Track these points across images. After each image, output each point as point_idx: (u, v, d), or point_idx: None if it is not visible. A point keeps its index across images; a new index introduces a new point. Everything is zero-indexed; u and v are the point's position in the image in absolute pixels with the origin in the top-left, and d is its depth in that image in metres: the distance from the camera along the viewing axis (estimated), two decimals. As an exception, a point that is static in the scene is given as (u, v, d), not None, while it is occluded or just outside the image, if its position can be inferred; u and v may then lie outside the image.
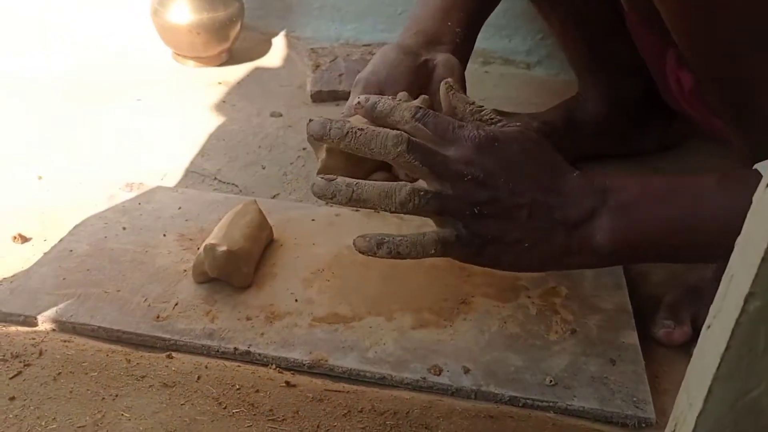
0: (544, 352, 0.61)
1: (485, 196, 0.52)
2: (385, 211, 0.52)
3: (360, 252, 0.53)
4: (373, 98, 0.54)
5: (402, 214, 0.53)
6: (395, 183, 0.52)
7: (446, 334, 0.62)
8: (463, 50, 0.68)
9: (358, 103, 0.55)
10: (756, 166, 0.50)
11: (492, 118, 0.55)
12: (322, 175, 0.53)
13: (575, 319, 0.65)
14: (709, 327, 0.30)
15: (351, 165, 0.57)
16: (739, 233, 0.43)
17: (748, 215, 0.28)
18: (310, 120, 0.54)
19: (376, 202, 0.51)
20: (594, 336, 0.63)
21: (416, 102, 0.57)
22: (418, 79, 0.64)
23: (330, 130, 0.52)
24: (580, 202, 0.53)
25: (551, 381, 0.57)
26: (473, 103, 0.56)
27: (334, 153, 0.56)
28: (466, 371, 0.58)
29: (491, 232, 0.52)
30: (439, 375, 0.57)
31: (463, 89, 0.64)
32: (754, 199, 0.27)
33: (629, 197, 0.53)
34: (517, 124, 0.55)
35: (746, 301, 0.26)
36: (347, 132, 0.52)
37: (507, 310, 0.65)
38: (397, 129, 0.53)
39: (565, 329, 0.63)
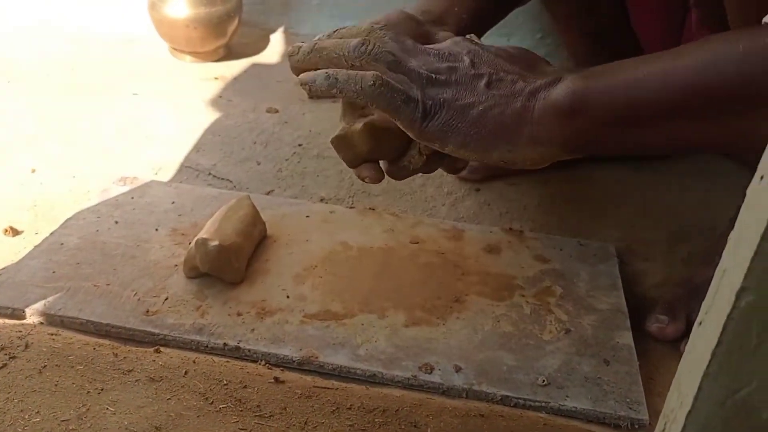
0: (538, 351, 0.60)
1: (445, 65, 0.51)
2: (341, 59, 0.52)
3: (302, 84, 0.54)
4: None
5: (369, 99, 0.51)
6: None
7: (439, 332, 0.61)
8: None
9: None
10: (766, 18, 0.45)
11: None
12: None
13: (570, 319, 0.64)
14: (700, 323, 0.29)
15: (375, 141, 0.57)
16: (727, 80, 0.42)
17: (742, 208, 0.27)
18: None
19: (331, 48, 0.52)
20: (588, 336, 0.62)
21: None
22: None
23: (300, 47, 0.55)
24: (545, 76, 0.51)
25: (544, 381, 0.57)
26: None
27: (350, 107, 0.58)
28: (458, 370, 0.57)
29: (443, 95, 0.51)
30: (430, 373, 0.57)
31: None
32: (748, 191, 0.27)
33: (599, 66, 0.51)
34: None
35: (738, 296, 0.25)
36: (315, 43, 0.54)
37: (501, 308, 0.64)
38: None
39: (560, 329, 0.63)
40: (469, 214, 0.80)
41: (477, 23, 0.69)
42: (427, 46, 0.53)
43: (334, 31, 0.54)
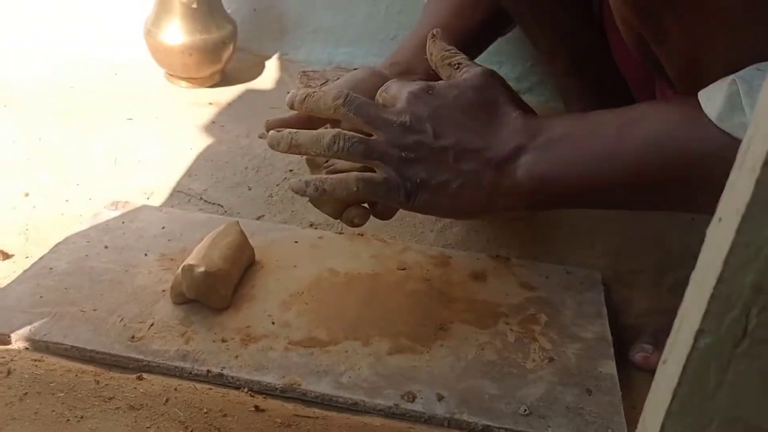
0: (521, 380, 0.60)
1: (411, 140, 0.54)
2: (318, 155, 0.56)
3: (293, 191, 0.57)
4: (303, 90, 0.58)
5: (356, 198, 0.56)
6: (326, 129, 0.56)
7: (422, 360, 0.61)
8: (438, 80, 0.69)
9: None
10: (699, 93, 0.49)
11: (459, 63, 0.58)
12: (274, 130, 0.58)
13: (553, 348, 0.64)
14: (665, 362, 0.29)
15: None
16: (667, 161, 0.46)
17: (702, 248, 0.27)
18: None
19: (308, 145, 0.55)
20: (572, 365, 0.62)
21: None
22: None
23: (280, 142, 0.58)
24: (507, 142, 0.54)
25: (526, 410, 0.57)
26: (450, 49, 0.59)
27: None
28: (440, 398, 0.57)
29: (419, 175, 0.54)
30: (412, 402, 0.57)
31: None
32: (708, 232, 0.27)
33: (556, 134, 0.54)
34: (481, 67, 0.57)
35: (696, 337, 0.26)
36: (302, 98, 0.57)
37: (485, 336, 0.65)
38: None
39: (543, 357, 0.63)
40: (456, 240, 0.81)
41: None
42: (389, 112, 0.55)
43: (305, 98, 0.57)
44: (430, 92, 0.55)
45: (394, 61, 0.69)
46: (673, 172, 0.51)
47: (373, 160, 0.54)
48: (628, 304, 0.72)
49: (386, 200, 0.55)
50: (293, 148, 0.56)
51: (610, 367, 0.62)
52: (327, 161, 0.62)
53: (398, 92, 0.56)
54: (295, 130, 0.56)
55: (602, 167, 0.53)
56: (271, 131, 0.58)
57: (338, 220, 0.81)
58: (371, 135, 0.55)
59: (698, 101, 0.49)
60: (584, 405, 0.58)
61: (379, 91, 0.58)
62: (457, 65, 0.57)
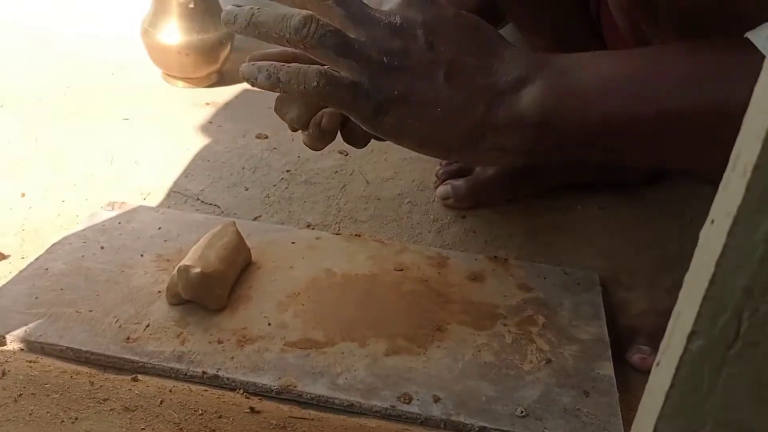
0: (518, 381, 0.60)
1: (398, 44, 0.45)
2: (282, 40, 0.47)
3: (244, 78, 0.49)
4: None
5: (315, 97, 0.48)
6: (295, 10, 0.47)
7: (419, 361, 0.61)
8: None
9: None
10: (747, 34, 0.42)
11: None
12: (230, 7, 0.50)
13: (551, 349, 0.64)
14: (658, 364, 0.29)
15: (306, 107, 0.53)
16: (704, 110, 0.37)
17: (696, 250, 0.27)
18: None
19: (270, 24, 0.46)
20: (569, 366, 0.62)
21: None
22: None
23: (236, 16, 0.49)
24: (509, 70, 0.46)
25: (522, 412, 0.56)
26: None
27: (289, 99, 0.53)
28: (437, 400, 0.57)
29: (397, 88, 0.45)
30: (408, 403, 0.57)
31: None
32: (701, 234, 0.27)
33: (568, 63, 0.46)
34: None
35: (689, 339, 0.26)
36: (252, 14, 0.48)
37: (482, 338, 0.65)
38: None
39: (540, 359, 0.63)
40: (454, 241, 0.80)
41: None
42: (376, 10, 0.47)
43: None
44: (427, 2, 0.47)
45: None
46: (713, 117, 0.42)
47: (346, 58, 0.45)
48: (625, 305, 0.72)
49: (350, 110, 0.47)
50: (252, 27, 0.47)
51: (607, 369, 0.62)
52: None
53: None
54: (257, 7, 0.47)
55: (629, 108, 0.44)
56: (228, 6, 0.49)
57: (337, 223, 0.82)
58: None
59: (743, 42, 0.42)
60: (581, 407, 0.58)
61: None
62: None
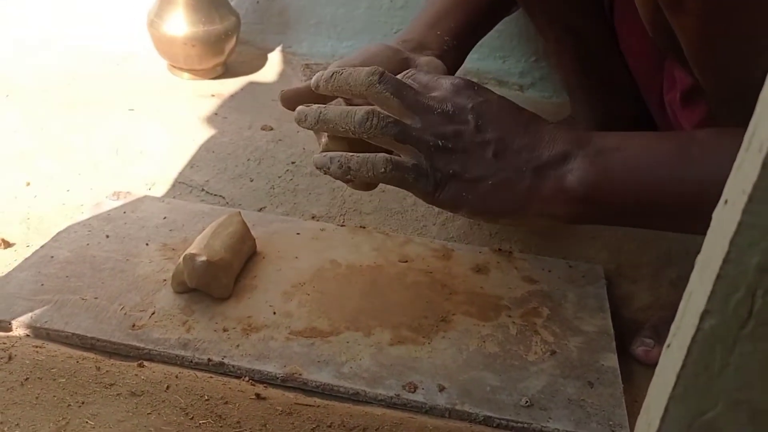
0: (522, 372, 0.60)
1: (451, 129, 0.51)
2: (348, 133, 0.52)
3: (317, 167, 0.54)
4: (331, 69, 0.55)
5: (382, 181, 0.52)
6: (357, 106, 0.52)
7: (424, 351, 0.61)
8: (451, 58, 0.68)
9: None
10: None
11: None
12: (303, 105, 0.55)
13: (556, 341, 0.64)
14: (668, 346, 0.29)
15: (352, 149, 0.57)
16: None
17: (708, 232, 0.27)
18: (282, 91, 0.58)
19: (337, 121, 0.52)
20: (574, 358, 0.62)
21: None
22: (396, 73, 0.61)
23: (307, 115, 0.54)
24: (552, 145, 0.51)
25: (527, 402, 0.57)
26: None
27: (336, 138, 0.57)
28: (442, 389, 0.57)
29: (452, 167, 0.51)
30: (413, 392, 0.57)
31: None
32: (714, 215, 0.27)
33: (609, 142, 0.51)
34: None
35: (702, 318, 0.26)
36: (328, 77, 0.54)
37: (487, 329, 0.65)
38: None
39: (545, 350, 0.63)
40: (459, 233, 0.80)
41: (460, 42, 0.70)
42: (429, 97, 0.52)
43: (332, 76, 0.54)
44: (475, 88, 0.53)
45: (406, 38, 0.66)
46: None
47: (405, 144, 0.51)
48: (629, 298, 0.72)
49: (412, 188, 0.52)
50: (321, 123, 0.53)
51: (611, 361, 0.62)
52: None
53: (434, 81, 0.53)
54: (324, 106, 0.53)
55: (662, 183, 0.49)
56: (300, 107, 0.55)
57: (341, 215, 0.82)
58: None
59: None
60: (586, 397, 0.58)
61: (402, 75, 0.55)
62: None
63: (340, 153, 0.53)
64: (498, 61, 1.10)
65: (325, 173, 0.54)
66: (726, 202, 0.26)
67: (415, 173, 0.51)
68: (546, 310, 0.68)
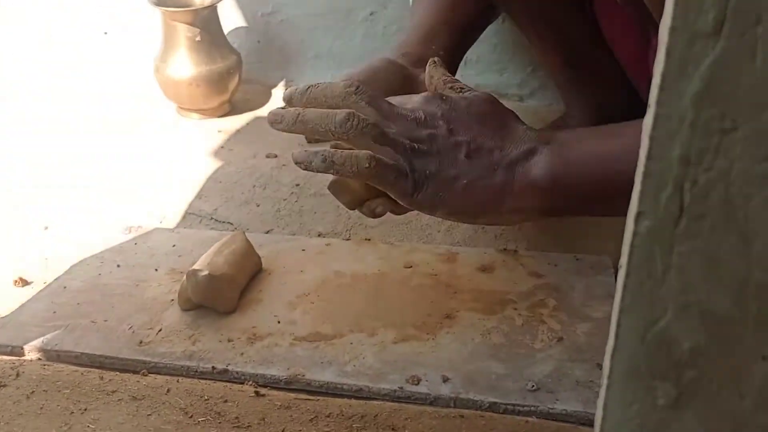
0: (529, 359, 0.59)
1: (425, 133, 0.54)
2: (327, 134, 0.54)
3: (296, 163, 0.55)
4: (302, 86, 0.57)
5: (364, 177, 0.54)
6: (338, 110, 0.54)
7: (428, 346, 0.61)
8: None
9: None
10: None
11: (462, 87, 0.58)
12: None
13: (563, 328, 0.63)
14: (621, 266, 0.29)
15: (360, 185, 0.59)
16: None
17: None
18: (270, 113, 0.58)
19: (317, 122, 0.53)
20: (582, 343, 0.61)
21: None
22: (402, 89, 0.64)
23: (283, 116, 0.56)
24: (521, 144, 0.54)
25: (533, 386, 0.56)
26: (450, 76, 0.60)
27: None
28: (446, 380, 0.57)
29: (429, 168, 0.53)
30: (417, 384, 0.56)
31: None
32: (644, 122, 0.27)
33: (573, 135, 0.54)
34: (485, 92, 0.58)
35: (636, 221, 0.26)
36: (303, 90, 0.56)
37: (492, 322, 0.64)
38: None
39: (552, 337, 0.62)
40: (464, 238, 0.80)
41: (453, 57, 0.73)
42: (401, 108, 0.55)
43: (307, 89, 0.56)
44: (443, 98, 0.56)
45: (405, 52, 0.69)
46: None
47: (384, 146, 0.53)
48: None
49: (392, 188, 0.54)
50: (299, 124, 0.54)
51: (619, 341, 0.60)
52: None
53: (406, 97, 0.57)
54: (302, 108, 0.55)
55: (622, 166, 0.51)
56: (273, 109, 0.57)
57: (347, 230, 0.83)
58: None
59: None
60: (595, 379, 0.57)
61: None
62: (459, 89, 0.58)
63: (324, 149, 0.54)
64: (496, 74, 1.11)
65: (305, 169, 0.55)
66: (649, 105, 0.26)
67: (396, 172, 0.53)
68: (553, 301, 0.67)
